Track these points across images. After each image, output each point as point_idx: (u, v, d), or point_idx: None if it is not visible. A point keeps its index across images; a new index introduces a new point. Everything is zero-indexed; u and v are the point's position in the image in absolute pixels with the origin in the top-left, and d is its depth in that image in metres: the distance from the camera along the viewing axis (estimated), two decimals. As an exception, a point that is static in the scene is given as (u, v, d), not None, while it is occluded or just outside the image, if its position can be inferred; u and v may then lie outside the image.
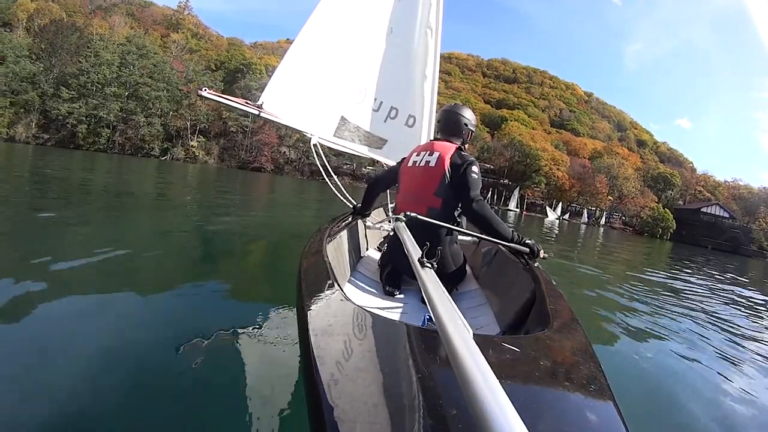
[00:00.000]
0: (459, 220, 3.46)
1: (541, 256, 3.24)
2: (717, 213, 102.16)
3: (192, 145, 77.80)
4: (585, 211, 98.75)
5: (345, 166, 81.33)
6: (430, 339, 1.44)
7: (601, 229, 73.94)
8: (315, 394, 1.07)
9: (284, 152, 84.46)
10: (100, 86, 69.56)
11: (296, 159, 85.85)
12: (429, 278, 1.62)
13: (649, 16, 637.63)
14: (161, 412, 2.40)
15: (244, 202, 16.81)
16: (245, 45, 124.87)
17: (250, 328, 3.59)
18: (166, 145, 75.74)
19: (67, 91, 66.95)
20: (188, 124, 78.34)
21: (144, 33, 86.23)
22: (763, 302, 12.60)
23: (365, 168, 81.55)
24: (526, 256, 3.20)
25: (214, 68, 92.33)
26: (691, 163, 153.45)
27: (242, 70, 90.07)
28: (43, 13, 79.05)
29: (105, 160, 38.39)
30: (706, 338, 6.07)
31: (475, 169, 3.37)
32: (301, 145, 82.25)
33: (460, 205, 3.42)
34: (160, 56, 79.41)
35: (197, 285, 4.73)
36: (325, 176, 5.92)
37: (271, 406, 2.55)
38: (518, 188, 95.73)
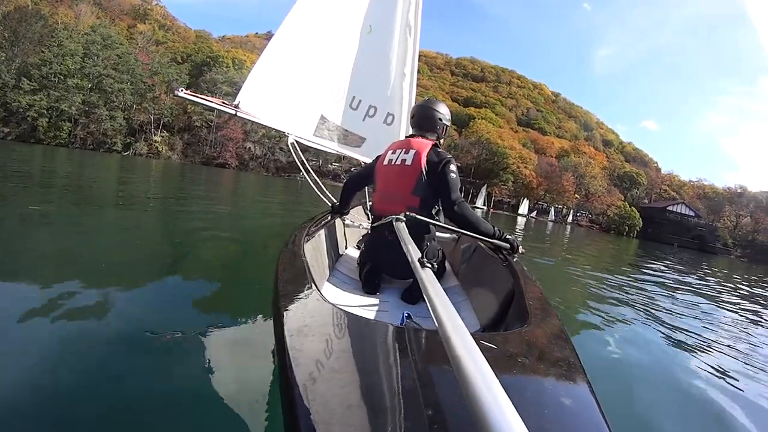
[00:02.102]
0: (437, 217, 3.48)
1: (520, 251, 3.25)
2: (683, 211, 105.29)
3: (155, 140, 76.52)
4: (552, 209, 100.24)
5: (311, 163, 79.64)
6: (408, 338, 1.47)
7: (568, 227, 75.35)
8: (290, 397, 1.06)
9: (249, 148, 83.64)
10: (62, 77, 67.57)
11: (261, 155, 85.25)
12: (428, 278, 1.62)
13: (618, 22, 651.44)
14: (132, 417, 2.33)
15: (212, 200, 16.63)
16: (213, 38, 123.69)
17: (226, 331, 3.57)
18: (128, 140, 74.37)
19: (28, 82, 64.89)
20: (152, 118, 77.07)
21: (110, 23, 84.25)
22: (725, 292, 13.86)
23: (331, 165, 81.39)
24: (505, 252, 3.23)
25: (180, 61, 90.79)
26: (656, 163, 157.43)
27: (209, 63, 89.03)
28: (7, 0, 76.73)
29: (65, 155, 37.50)
30: (674, 325, 6.59)
31: (452, 168, 3.38)
32: (266, 141, 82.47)
33: (439, 204, 3.45)
34: (126, 47, 77.71)
35: (170, 287, 4.68)
36: (305, 174, 5.86)
37: (247, 410, 2.48)
38: (485, 186, 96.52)
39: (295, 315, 1.56)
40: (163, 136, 78.26)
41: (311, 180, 5.83)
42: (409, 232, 2.77)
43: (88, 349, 2.88)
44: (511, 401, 0.81)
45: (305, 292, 1.82)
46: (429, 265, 1.81)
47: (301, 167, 5.80)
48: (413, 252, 2.07)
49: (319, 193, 5.65)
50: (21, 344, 2.86)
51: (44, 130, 65.37)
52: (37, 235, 5.97)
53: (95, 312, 3.51)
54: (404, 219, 2.88)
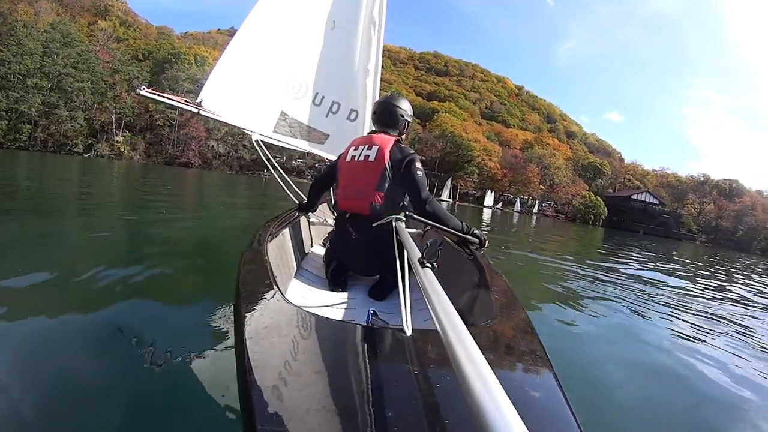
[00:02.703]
0: (402, 213, 3.38)
1: (486, 245, 3.28)
2: (647, 200, 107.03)
3: (117, 141, 74.62)
4: (518, 200, 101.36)
5: (275, 160, 78.44)
6: (374, 337, 1.48)
7: (534, 217, 76.64)
8: (248, 401, 1.04)
9: (212, 146, 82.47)
10: (21, 77, 64.97)
11: (225, 153, 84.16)
12: (428, 278, 1.64)
13: (582, 17, 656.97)
14: (83, 421, 2.29)
15: (175, 201, 16.42)
16: (175, 35, 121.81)
17: (186, 336, 3.48)
18: (90, 141, 72.25)
19: (-14, 84, 62.46)
20: (113, 117, 75.00)
21: (69, 19, 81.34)
22: (691, 276, 14.28)
23: (295, 161, 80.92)
24: (472, 247, 3.24)
25: (141, 58, 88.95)
26: (620, 153, 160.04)
27: (170, 60, 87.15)
28: (-35, -2, 74.08)
29: (26, 159, 36.31)
30: (640, 313, 6.67)
31: (418, 165, 3.37)
32: (229, 138, 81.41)
33: (405, 200, 3.46)
34: (86, 45, 75.30)
35: (129, 290, 4.45)
36: (273, 172, 5.96)
37: (206, 415, 2.46)
38: (450, 179, 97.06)
39: (255, 317, 1.56)
40: (125, 136, 76.55)
41: (279, 178, 5.88)
42: (369, 227, 3.04)
43: (44, 358, 2.85)
44: None
45: (267, 293, 1.81)
46: (429, 265, 1.86)
47: (268, 165, 5.86)
48: (413, 252, 2.12)
49: (287, 190, 5.63)
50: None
51: (3, 133, 62.89)
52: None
53: (47, 326, 3.38)
54: (404, 219, 2.97)
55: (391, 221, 3.01)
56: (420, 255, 1.96)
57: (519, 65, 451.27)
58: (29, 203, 10.56)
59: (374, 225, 3.23)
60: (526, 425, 0.78)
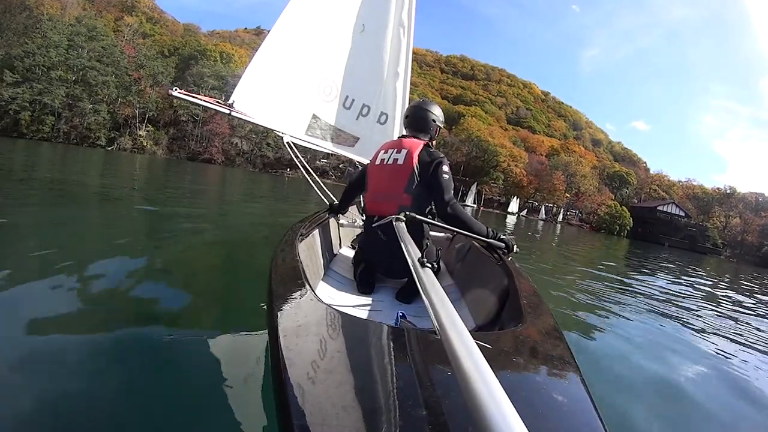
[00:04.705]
0: (430, 216, 3.44)
1: (515, 250, 3.27)
2: (673, 211, 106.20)
3: (140, 135, 75.07)
4: (543, 208, 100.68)
5: (299, 159, 79.12)
6: (403, 337, 1.48)
7: (559, 226, 76.22)
8: (284, 397, 1.05)
9: (236, 143, 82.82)
10: (45, 69, 65.50)
11: (248, 151, 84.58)
12: (428, 278, 1.63)
13: (606, 24, 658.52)
14: (120, 419, 2.24)
15: (200, 198, 16.13)
16: (201, 32, 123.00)
17: (219, 332, 3.43)
18: (113, 135, 72.55)
19: (11, 74, 62.71)
20: (136, 112, 75.43)
21: (96, 14, 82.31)
22: (718, 292, 14.13)
23: (319, 161, 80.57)
24: (500, 251, 3.23)
25: (167, 54, 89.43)
26: (645, 163, 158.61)
27: (196, 57, 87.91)
28: (-9, -9, 74.55)
29: (48, 150, 36.52)
30: (667, 323, 6.64)
31: (445, 168, 3.39)
32: (253, 136, 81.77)
33: (432, 203, 3.46)
34: (111, 39, 75.82)
35: (160, 289, 4.31)
36: (304, 173, 6.16)
37: (240, 411, 2.38)
38: (476, 184, 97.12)
39: (289, 315, 1.58)
40: (148, 131, 77.03)
41: (311, 179, 6.10)
42: (410, 231, 2.73)
43: (75, 353, 2.72)
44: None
45: (299, 292, 1.81)
46: (429, 265, 1.79)
47: (299, 166, 6.10)
48: (413, 252, 2.04)
49: (319, 192, 5.88)
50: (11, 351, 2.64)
51: (27, 124, 63.41)
52: (18, 236, 5.52)
53: (84, 315, 3.32)
54: (404, 219, 2.83)
55: (391, 221, 2.91)
56: (420, 255, 1.91)
57: (545, 71, 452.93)
58: (50, 192, 10.45)
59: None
60: (551, 429, 0.78)
